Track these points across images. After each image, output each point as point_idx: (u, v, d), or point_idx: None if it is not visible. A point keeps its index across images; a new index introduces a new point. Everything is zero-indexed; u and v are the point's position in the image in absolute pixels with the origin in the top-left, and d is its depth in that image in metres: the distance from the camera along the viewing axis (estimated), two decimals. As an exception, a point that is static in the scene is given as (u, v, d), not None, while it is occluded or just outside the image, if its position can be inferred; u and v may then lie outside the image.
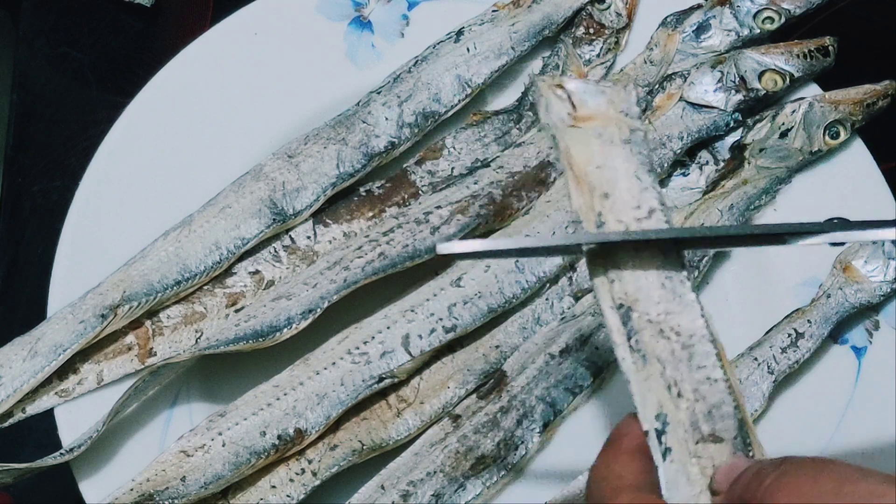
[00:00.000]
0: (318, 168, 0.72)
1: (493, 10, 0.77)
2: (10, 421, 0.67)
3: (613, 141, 0.53)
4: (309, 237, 0.72)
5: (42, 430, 0.69)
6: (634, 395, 0.49)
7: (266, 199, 0.71)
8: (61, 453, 0.64)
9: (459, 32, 0.76)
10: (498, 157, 0.74)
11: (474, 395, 0.68)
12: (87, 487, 0.66)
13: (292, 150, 0.73)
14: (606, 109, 0.54)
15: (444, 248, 0.51)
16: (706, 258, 0.72)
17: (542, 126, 0.54)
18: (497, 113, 0.76)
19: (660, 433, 0.49)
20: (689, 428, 0.49)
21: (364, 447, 0.66)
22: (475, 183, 0.72)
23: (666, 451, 0.48)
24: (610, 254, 0.51)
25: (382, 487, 0.65)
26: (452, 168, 0.74)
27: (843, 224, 0.59)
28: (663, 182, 0.75)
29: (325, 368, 0.67)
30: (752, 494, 0.44)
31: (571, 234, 0.52)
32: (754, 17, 0.76)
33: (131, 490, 0.63)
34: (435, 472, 0.66)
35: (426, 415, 0.68)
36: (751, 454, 0.49)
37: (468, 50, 0.76)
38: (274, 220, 0.71)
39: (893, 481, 0.41)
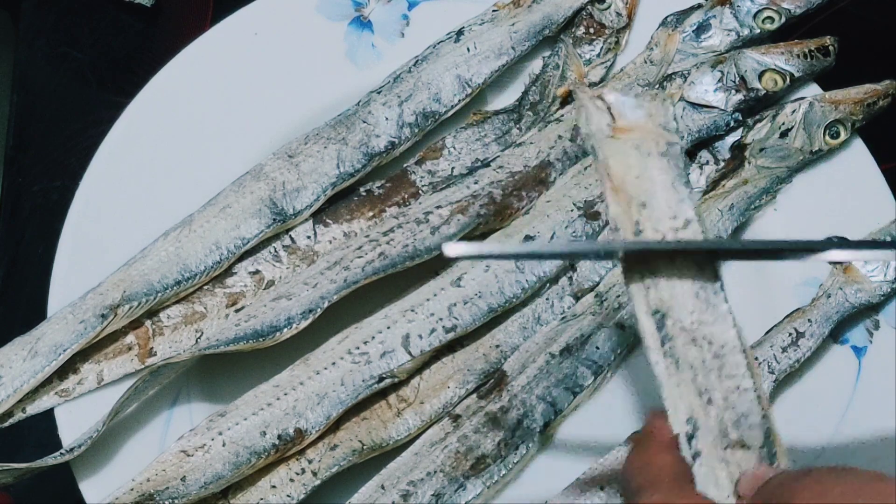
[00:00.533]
0: (319, 168, 0.72)
1: (494, 10, 0.77)
2: (11, 421, 0.67)
3: (651, 153, 0.55)
4: (309, 237, 0.72)
5: (42, 430, 0.69)
6: (666, 399, 0.51)
7: (266, 198, 0.71)
8: (61, 453, 0.64)
9: (459, 32, 0.76)
10: (498, 156, 0.74)
11: (474, 395, 0.68)
12: (87, 487, 0.66)
13: (292, 150, 0.73)
14: (645, 122, 0.56)
15: (451, 250, 0.52)
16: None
17: (582, 136, 0.55)
18: (497, 112, 0.76)
19: (690, 437, 0.50)
20: (718, 434, 0.50)
21: (364, 447, 0.66)
22: (475, 183, 0.72)
23: (696, 455, 0.50)
24: (647, 261, 0.53)
25: (382, 487, 0.65)
26: (452, 168, 0.74)
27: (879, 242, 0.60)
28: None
29: (326, 368, 0.67)
30: (777, 497, 0.46)
31: (609, 242, 0.54)
32: (754, 16, 0.76)
33: (131, 490, 0.63)
34: (435, 472, 0.66)
35: (426, 415, 0.68)
36: (776, 464, 0.50)
37: (468, 50, 0.76)
38: (274, 219, 0.71)
39: None
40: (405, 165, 0.74)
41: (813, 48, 0.76)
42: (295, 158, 0.72)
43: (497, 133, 0.75)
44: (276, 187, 0.72)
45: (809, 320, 0.69)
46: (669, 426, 0.51)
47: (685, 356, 0.51)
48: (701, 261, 0.53)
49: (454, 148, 0.75)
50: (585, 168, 0.74)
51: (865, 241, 0.67)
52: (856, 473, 0.45)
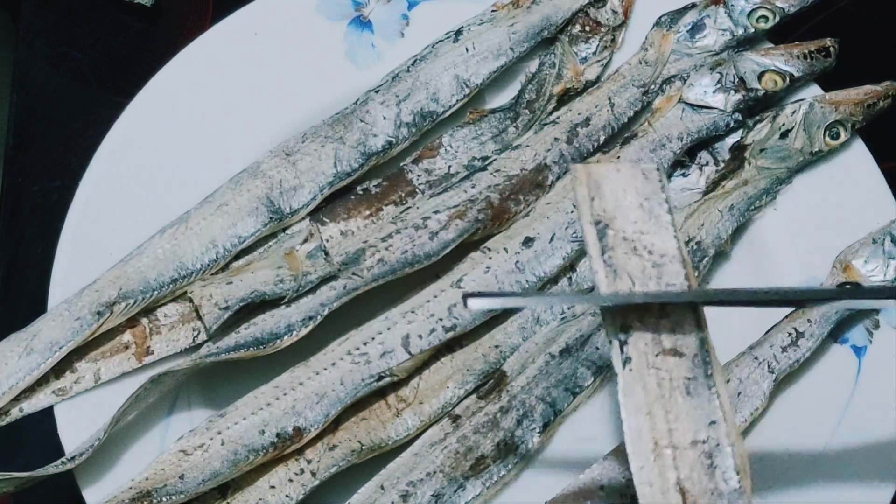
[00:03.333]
0: (316, 167, 0.72)
1: (493, 11, 0.77)
2: (7, 419, 0.67)
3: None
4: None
5: (42, 430, 0.69)
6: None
7: (263, 197, 0.71)
8: (63, 462, 0.64)
9: (458, 32, 0.76)
10: (495, 160, 0.74)
11: (474, 395, 0.68)
12: (87, 488, 0.66)
13: (290, 149, 0.73)
14: None
15: (475, 303, 0.53)
16: (706, 258, 0.71)
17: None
18: (494, 111, 0.76)
19: (622, 343, 0.51)
20: (651, 342, 0.51)
21: (363, 447, 0.66)
22: (473, 187, 0.72)
23: (626, 360, 0.51)
24: (594, 176, 0.55)
25: (382, 488, 0.65)
26: (449, 166, 0.74)
27: (855, 291, 0.64)
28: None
29: (325, 369, 0.67)
30: None
31: (592, 295, 0.56)
32: (748, 15, 0.76)
33: (130, 489, 0.63)
34: (434, 473, 0.66)
35: (425, 415, 0.68)
36: (709, 362, 0.52)
37: (467, 50, 0.76)
38: (271, 218, 0.71)
39: None
40: (402, 164, 0.74)
41: (813, 49, 0.76)
42: (292, 157, 0.72)
43: (494, 132, 0.75)
44: (273, 186, 0.72)
45: (809, 320, 0.69)
46: None
47: (624, 265, 0.52)
48: (648, 171, 0.54)
49: (451, 146, 0.74)
50: (585, 170, 0.74)
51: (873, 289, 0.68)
52: None
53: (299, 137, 0.73)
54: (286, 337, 0.67)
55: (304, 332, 0.68)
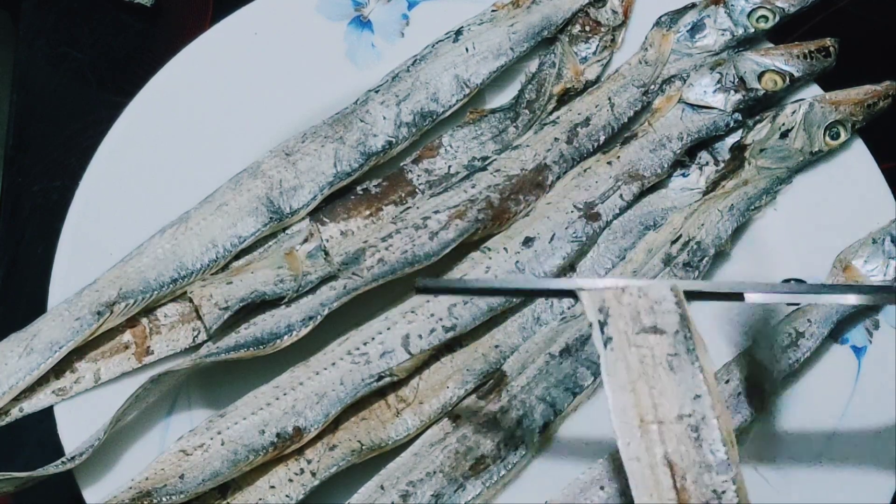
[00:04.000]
0: (316, 167, 0.72)
1: (493, 11, 0.77)
2: (7, 419, 0.67)
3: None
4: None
5: (43, 430, 0.69)
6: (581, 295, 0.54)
7: (263, 197, 0.71)
8: (63, 461, 0.64)
9: (458, 32, 0.76)
10: (495, 160, 0.74)
11: (474, 396, 0.68)
12: (87, 488, 0.66)
13: (290, 149, 0.73)
14: None
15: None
16: (706, 258, 0.71)
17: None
18: (494, 111, 0.76)
19: (602, 324, 0.53)
20: (630, 321, 0.52)
21: (363, 447, 0.66)
22: (473, 187, 0.72)
23: (607, 340, 0.52)
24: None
25: (382, 487, 0.65)
26: (449, 166, 0.74)
27: (798, 286, 0.65)
28: (663, 183, 0.75)
29: (325, 369, 0.67)
30: None
31: (570, 280, 0.57)
32: (748, 15, 0.76)
33: (130, 489, 0.63)
34: (434, 473, 0.66)
35: (425, 415, 0.68)
36: (690, 338, 0.52)
37: (467, 50, 0.76)
38: (271, 218, 0.71)
39: None
40: (402, 164, 0.74)
41: (813, 49, 0.76)
42: (292, 157, 0.72)
43: (494, 132, 0.75)
44: (273, 186, 0.72)
45: (809, 320, 0.69)
46: None
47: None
48: None
49: (451, 146, 0.74)
50: (585, 170, 0.74)
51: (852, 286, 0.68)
52: None
53: (299, 137, 0.73)
54: (286, 337, 0.67)
55: (304, 332, 0.68)
